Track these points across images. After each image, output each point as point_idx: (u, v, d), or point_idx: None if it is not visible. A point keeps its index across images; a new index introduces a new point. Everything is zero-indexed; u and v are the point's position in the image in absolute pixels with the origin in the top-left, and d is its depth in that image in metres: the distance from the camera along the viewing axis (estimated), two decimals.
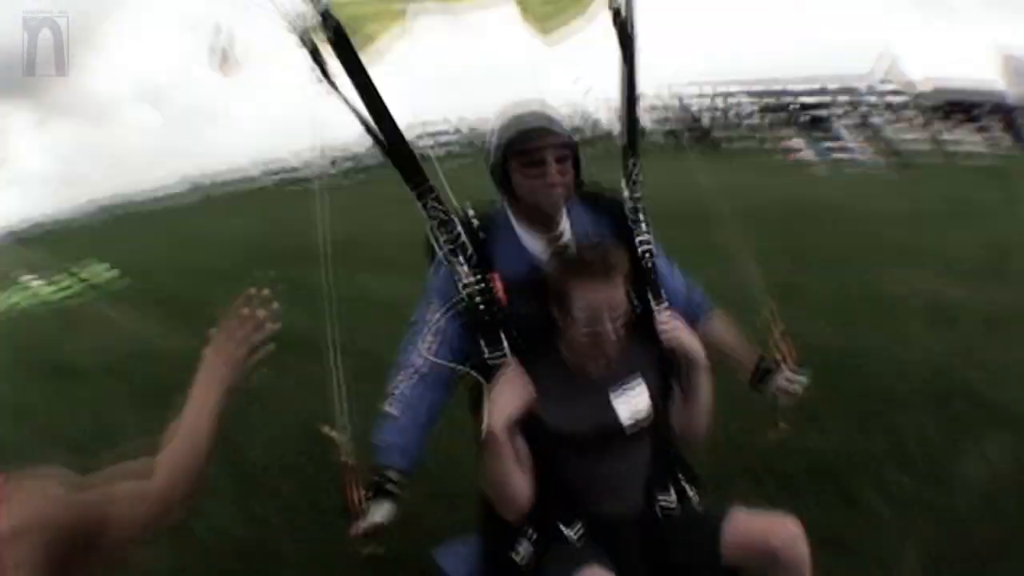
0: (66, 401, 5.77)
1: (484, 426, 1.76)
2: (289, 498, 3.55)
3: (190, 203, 33.13)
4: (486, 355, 1.89)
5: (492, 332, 1.90)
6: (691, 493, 2.07)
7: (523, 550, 1.92)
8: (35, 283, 16.89)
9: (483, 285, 1.90)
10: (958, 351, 4.57)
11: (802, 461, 3.31)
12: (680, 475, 2.07)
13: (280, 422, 4.31)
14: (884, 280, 6.48)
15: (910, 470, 3.19)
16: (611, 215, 2.08)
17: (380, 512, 1.83)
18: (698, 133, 33.40)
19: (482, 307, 1.90)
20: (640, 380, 1.92)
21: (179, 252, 14.41)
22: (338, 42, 1.80)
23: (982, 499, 2.74)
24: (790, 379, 2.09)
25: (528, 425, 1.83)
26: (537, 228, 2.01)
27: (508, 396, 1.79)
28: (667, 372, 2.00)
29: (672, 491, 2.02)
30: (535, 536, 1.91)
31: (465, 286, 1.90)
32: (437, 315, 1.97)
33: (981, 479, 3.04)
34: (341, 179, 23.11)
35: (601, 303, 1.76)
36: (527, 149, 1.90)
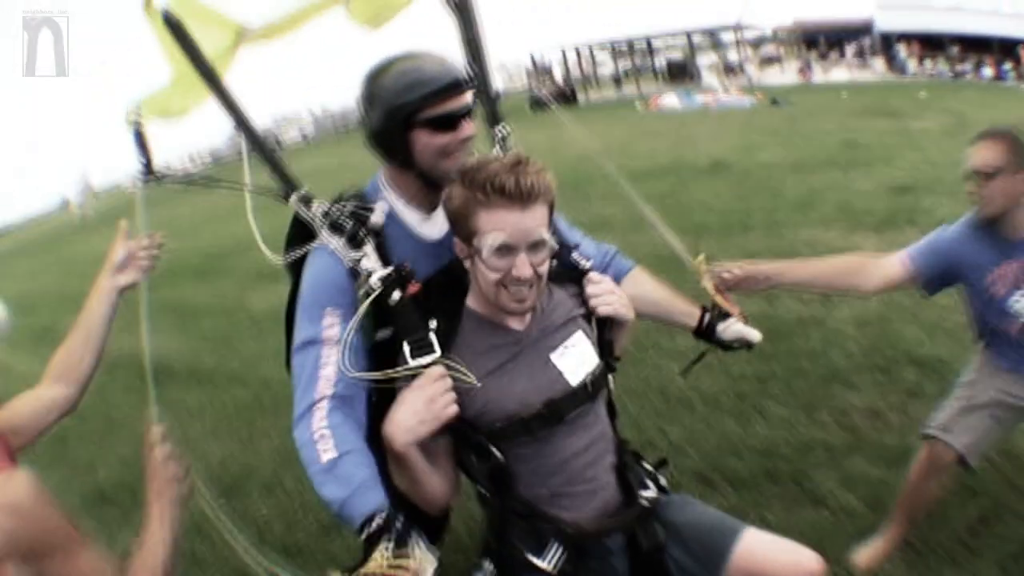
0: None
1: (385, 438, 1.48)
2: None
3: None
4: (409, 359, 1.55)
5: (417, 331, 1.58)
6: (662, 481, 1.80)
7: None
8: None
9: (399, 275, 1.61)
10: (891, 313, 4.43)
11: (754, 458, 3.09)
12: (641, 458, 1.83)
13: None
14: (791, 239, 6.32)
15: (866, 452, 3.02)
16: None
17: (428, 564, 1.43)
18: (553, 90, 33.65)
19: (400, 302, 1.60)
20: (580, 334, 1.69)
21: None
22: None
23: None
24: (744, 329, 1.96)
25: (462, 423, 1.56)
26: (425, 207, 1.78)
27: (422, 408, 1.47)
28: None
29: (646, 476, 1.75)
30: (495, 572, 1.63)
31: (381, 280, 1.59)
32: (340, 326, 1.63)
33: None
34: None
35: (515, 236, 1.48)
36: (437, 112, 1.64)
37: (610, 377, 1.74)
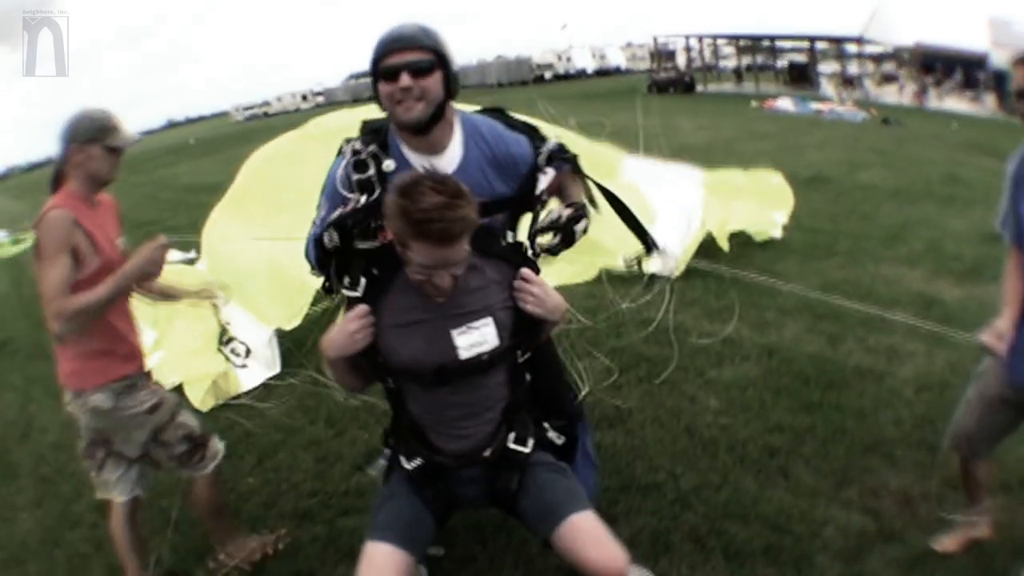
0: None
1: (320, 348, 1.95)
2: None
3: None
4: (345, 285, 1.98)
5: (353, 269, 1.96)
6: (556, 440, 2.17)
7: (378, 466, 2.34)
8: None
9: (365, 215, 1.90)
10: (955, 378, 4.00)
11: (760, 528, 2.79)
12: (546, 423, 2.16)
13: None
14: (871, 272, 5.89)
15: (882, 547, 2.66)
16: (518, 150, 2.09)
17: None
18: (673, 74, 33.15)
19: (356, 239, 1.94)
20: (489, 320, 1.92)
21: None
22: None
23: None
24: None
25: (373, 351, 1.94)
26: (421, 149, 2.00)
27: (343, 339, 1.89)
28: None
29: (529, 436, 2.06)
30: (388, 456, 2.16)
31: (353, 211, 1.91)
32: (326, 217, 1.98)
33: None
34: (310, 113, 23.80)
35: (437, 263, 1.74)
36: (383, 65, 1.89)
37: (518, 352, 2.01)
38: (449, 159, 2.00)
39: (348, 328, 1.86)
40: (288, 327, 4.70)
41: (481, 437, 1.98)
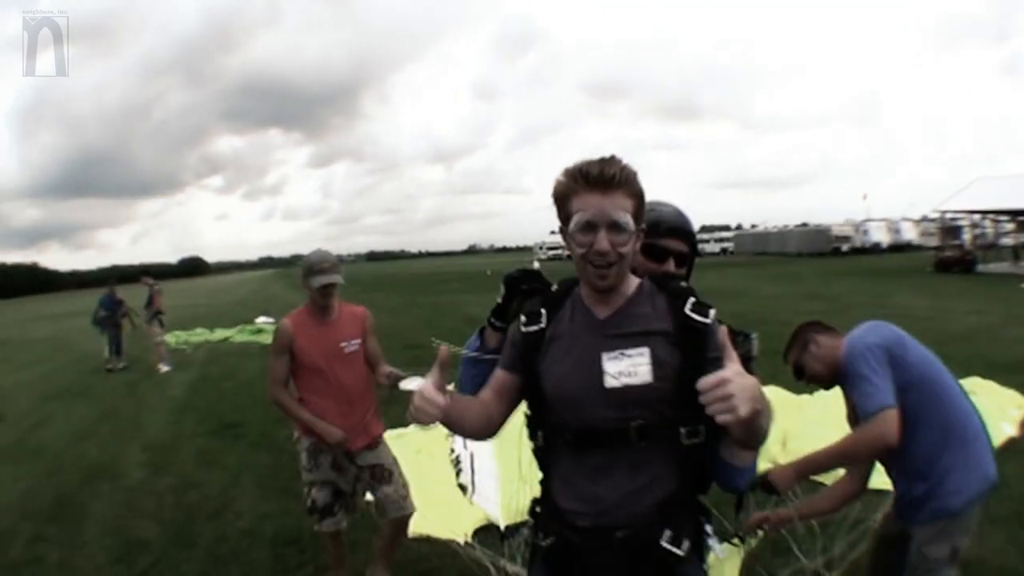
0: None
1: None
2: None
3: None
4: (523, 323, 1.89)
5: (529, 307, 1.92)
6: (715, 548, 1.80)
7: (521, 536, 2.06)
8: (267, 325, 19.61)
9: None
10: None
11: None
12: (700, 516, 1.79)
13: None
14: None
15: None
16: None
17: None
18: (958, 253, 32.33)
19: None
20: (644, 351, 1.70)
21: None
22: None
23: None
24: None
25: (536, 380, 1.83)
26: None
27: (415, 405, 1.64)
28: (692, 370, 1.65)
29: (686, 537, 1.72)
30: (531, 527, 1.92)
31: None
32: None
33: None
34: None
35: (596, 214, 1.67)
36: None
37: (681, 431, 1.70)
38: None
39: (415, 403, 1.63)
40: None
41: (626, 520, 1.71)
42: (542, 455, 1.85)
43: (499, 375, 1.88)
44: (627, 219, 1.67)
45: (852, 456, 2.43)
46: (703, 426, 1.69)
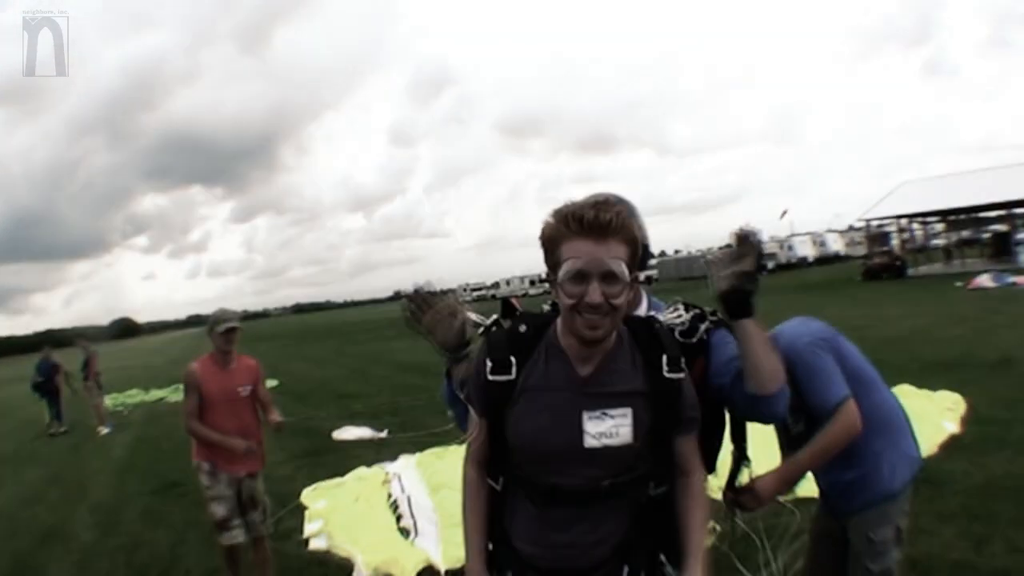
0: None
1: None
2: None
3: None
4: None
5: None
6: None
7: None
8: None
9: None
10: None
11: None
12: (663, 557, 1.77)
13: None
14: None
15: None
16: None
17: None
18: (886, 259, 33.00)
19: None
20: (627, 412, 1.66)
21: None
22: None
23: None
24: None
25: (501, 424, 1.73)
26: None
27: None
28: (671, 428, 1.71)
29: (642, 565, 1.75)
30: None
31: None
32: None
33: None
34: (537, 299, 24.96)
35: (588, 262, 1.56)
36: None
37: (651, 484, 1.72)
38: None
39: None
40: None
41: (580, 557, 1.71)
42: (499, 498, 1.79)
43: (481, 423, 1.78)
44: (622, 268, 1.58)
45: (830, 453, 2.38)
46: (668, 483, 1.73)
